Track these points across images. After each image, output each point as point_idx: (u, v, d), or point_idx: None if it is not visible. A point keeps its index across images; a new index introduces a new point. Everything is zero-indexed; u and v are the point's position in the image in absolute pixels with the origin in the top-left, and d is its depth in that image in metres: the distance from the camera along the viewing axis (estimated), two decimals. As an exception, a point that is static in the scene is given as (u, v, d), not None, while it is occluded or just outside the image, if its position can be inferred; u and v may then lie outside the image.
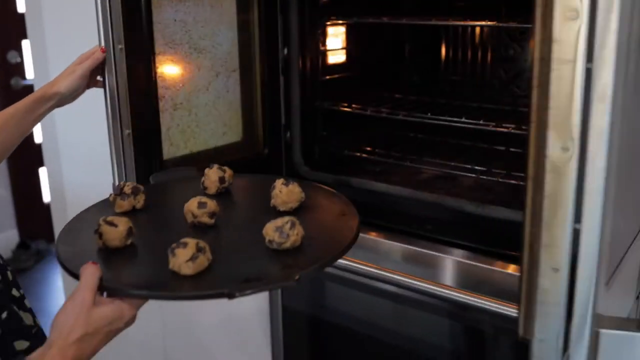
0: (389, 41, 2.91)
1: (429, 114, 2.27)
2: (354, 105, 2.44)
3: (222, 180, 1.59)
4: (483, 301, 1.54)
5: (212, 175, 1.59)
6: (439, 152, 2.49)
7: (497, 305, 1.50)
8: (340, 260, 1.30)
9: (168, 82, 2.00)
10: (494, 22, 2.26)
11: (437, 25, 2.90)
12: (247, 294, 1.07)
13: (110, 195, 1.49)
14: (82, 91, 1.78)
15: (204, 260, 1.16)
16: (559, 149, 1.19)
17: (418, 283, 1.87)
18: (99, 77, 1.80)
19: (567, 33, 1.13)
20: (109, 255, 1.25)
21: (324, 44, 2.44)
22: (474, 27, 2.82)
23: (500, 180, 2.16)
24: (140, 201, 1.48)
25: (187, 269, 1.13)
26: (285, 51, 2.34)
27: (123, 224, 1.26)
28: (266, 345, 2.45)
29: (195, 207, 1.37)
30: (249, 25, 2.23)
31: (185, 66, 2.05)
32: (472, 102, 2.65)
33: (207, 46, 2.11)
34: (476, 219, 2.04)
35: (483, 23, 2.44)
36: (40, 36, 3.08)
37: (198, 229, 1.37)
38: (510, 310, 1.44)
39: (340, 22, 2.50)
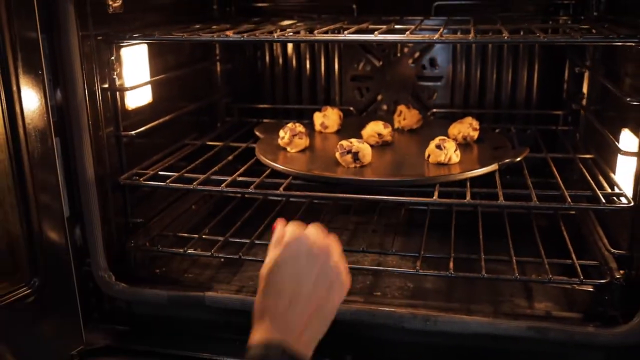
0: (201, 67, 2.03)
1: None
2: (181, 173, 1.55)
3: (340, 117, 1.85)
4: None
5: (333, 115, 1.83)
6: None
7: None
8: None
9: None
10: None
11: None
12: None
13: (280, 138, 1.64)
14: None
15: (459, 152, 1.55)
16: None
17: None
18: None
19: None
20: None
21: (120, 77, 1.50)
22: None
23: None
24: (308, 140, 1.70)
25: (457, 157, 1.50)
26: (59, 95, 1.36)
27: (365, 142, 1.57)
28: None
29: (382, 128, 1.68)
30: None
31: None
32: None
33: None
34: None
35: (327, 37, 1.55)
36: None
37: (378, 148, 1.65)
38: None
39: (147, 40, 1.57)
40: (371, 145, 1.61)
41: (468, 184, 1.41)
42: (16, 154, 1.25)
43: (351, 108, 2.10)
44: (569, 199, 1.33)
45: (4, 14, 1.18)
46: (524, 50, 1.99)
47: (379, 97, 2.12)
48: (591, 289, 1.38)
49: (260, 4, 2.12)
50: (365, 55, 2.09)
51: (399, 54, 2.06)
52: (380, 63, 2.08)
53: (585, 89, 1.88)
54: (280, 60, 2.16)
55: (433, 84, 2.06)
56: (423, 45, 2.03)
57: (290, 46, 2.12)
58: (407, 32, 1.36)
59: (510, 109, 2.03)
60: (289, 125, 1.65)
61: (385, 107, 2.10)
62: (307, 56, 2.13)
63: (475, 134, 1.67)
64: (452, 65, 2.03)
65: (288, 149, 1.63)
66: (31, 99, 1.25)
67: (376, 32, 1.35)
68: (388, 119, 1.85)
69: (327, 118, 1.82)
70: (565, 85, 1.99)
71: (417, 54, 2.05)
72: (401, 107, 1.85)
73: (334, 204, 1.87)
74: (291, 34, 1.50)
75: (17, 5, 1.20)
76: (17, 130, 1.24)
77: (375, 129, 1.67)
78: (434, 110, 2.04)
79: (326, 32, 1.46)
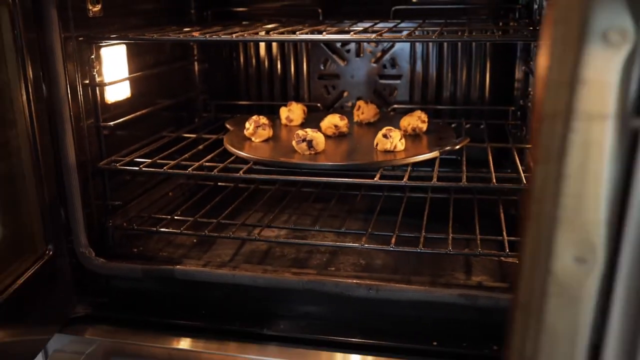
0: (180, 66, 2.20)
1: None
2: (154, 159, 1.72)
3: (304, 112, 2.03)
4: None
5: (297, 110, 2.01)
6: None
7: None
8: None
9: None
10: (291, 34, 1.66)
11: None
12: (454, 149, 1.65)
13: (246, 129, 1.81)
14: None
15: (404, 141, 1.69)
16: (571, 260, 0.65)
17: None
18: None
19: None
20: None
21: (100, 74, 1.67)
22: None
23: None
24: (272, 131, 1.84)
25: (402, 145, 1.65)
26: (44, 89, 1.53)
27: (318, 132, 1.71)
28: None
29: (338, 120, 1.83)
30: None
31: None
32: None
33: None
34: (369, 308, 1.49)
35: (280, 37, 1.71)
36: None
37: (335, 139, 1.83)
38: None
39: (122, 40, 1.74)
40: (329, 136, 1.79)
41: (409, 168, 1.57)
42: (32, 136, 1.42)
43: (318, 104, 2.27)
44: (494, 180, 1.50)
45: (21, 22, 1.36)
46: (477, 51, 2.15)
47: (345, 94, 2.29)
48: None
49: (235, 9, 2.30)
50: (331, 56, 2.26)
51: (362, 55, 2.23)
52: (345, 63, 2.25)
53: (531, 87, 2.05)
54: (254, 61, 2.33)
55: (393, 82, 2.23)
56: (384, 46, 2.20)
57: (262, 47, 2.29)
58: (352, 33, 1.53)
59: (465, 105, 2.20)
60: (254, 117, 1.81)
61: (350, 103, 2.27)
62: (278, 57, 2.30)
63: (424, 126, 1.83)
64: (410, 65, 2.20)
65: (253, 139, 1.80)
66: (35, 92, 1.42)
67: (324, 33, 1.53)
68: (351, 113, 2.03)
69: (292, 112, 2.00)
70: (516, 83, 2.16)
71: (378, 54, 2.22)
72: (360, 102, 2.02)
73: (297, 191, 2.04)
74: (262, 34, 1.66)
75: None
76: (32, 115, 1.41)
77: (332, 121, 1.84)
78: (395, 105, 2.21)
79: (282, 34, 1.62)
